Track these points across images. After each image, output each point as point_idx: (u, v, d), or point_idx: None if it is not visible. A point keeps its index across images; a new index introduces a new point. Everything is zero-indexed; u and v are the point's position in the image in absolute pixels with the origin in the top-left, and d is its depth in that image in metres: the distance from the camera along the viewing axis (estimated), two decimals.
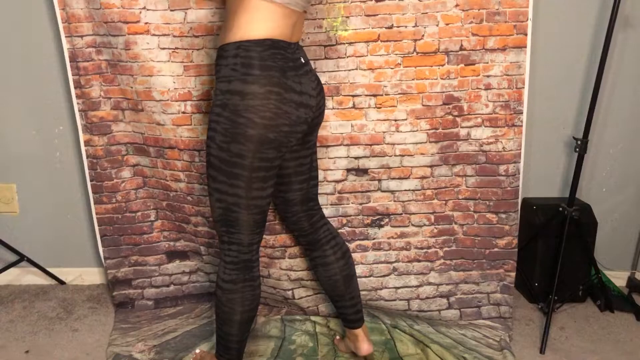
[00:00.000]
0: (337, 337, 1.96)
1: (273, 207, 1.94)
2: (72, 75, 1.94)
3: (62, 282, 2.37)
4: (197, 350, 1.85)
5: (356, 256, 2.03)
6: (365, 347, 1.79)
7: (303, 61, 1.50)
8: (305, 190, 1.70)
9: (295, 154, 1.62)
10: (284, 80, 1.41)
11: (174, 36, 1.84)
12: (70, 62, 1.93)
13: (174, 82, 1.87)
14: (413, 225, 2.03)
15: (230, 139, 1.42)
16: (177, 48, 1.85)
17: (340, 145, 1.95)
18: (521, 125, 1.96)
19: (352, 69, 1.88)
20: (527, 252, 2.22)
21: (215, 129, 1.44)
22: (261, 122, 1.40)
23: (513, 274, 2.07)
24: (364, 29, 1.85)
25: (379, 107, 1.91)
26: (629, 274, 2.45)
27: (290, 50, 1.45)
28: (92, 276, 2.40)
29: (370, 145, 1.95)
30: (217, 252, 2.08)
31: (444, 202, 2.02)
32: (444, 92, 1.91)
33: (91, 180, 2.05)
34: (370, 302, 2.06)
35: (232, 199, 1.48)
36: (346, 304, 1.79)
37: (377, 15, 1.84)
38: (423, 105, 1.92)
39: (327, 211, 1.99)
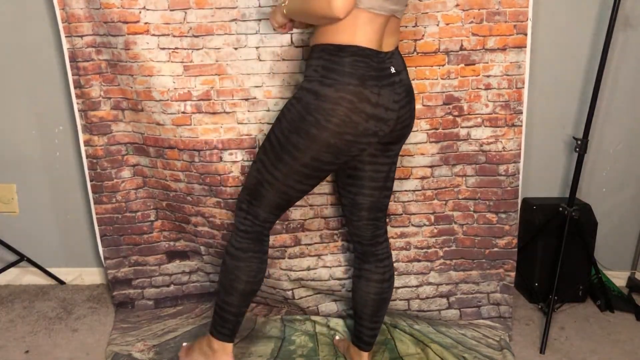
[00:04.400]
0: (337, 337, 1.96)
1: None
2: (72, 75, 1.94)
3: (62, 282, 2.37)
4: (184, 344, 1.85)
5: None
6: None
7: (393, 71, 1.46)
8: (376, 199, 1.66)
9: (373, 159, 1.59)
10: (361, 89, 1.39)
11: (174, 36, 1.84)
12: (70, 62, 1.93)
13: (174, 82, 1.87)
14: (413, 225, 2.03)
15: (293, 129, 1.45)
16: (177, 48, 1.85)
17: None
18: (521, 125, 1.96)
19: None
20: (527, 252, 2.22)
21: (285, 115, 1.49)
22: (326, 126, 1.40)
23: (513, 274, 2.07)
24: None
25: None
26: (629, 274, 2.45)
27: (376, 59, 1.41)
28: (92, 276, 2.40)
29: None
30: (217, 252, 2.08)
31: (444, 202, 2.02)
32: (444, 92, 1.91)
33: (91, 180, 2.05)
34: None
35: (269, 177, 1.52)
36: (367, 325, 1.75)
37: None
38: (423, 105, 1.92)
39: (327, 211, 2.00)
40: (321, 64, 1.42)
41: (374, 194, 1.64)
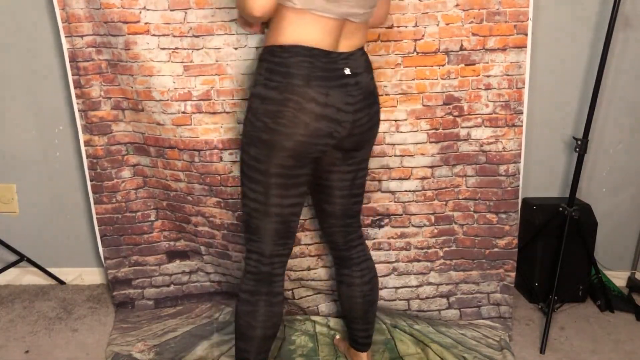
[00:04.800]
0: (337, 337, 1.96)
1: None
2: (72, 75, 1.94)
3: (62, 282, 2.37)
4: None
5: None
6: None
7: (348, 72, 1.40)
8: (345, 207, 1.63)
9: (335, 167, 1.56)
10: (306, 89, 1.34)
11: (174, 36, 1.84)
12: (70, 62, 1.93)
13: (174, 82, 1.87)
14: (413, 225, 2.03)
15: (249, 141, 1.41)
16: (177, 48, 1.85)
17: None
18: (521, 125, 1.96)
19: None
20: (527, 252, 2.22)
21: (243, 130, 1.44)
22: (275, 128, 1.35)
23: (513, 274, 2.07)
24: None
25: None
26: (629, 274, 2.45)
27: (324, 60, 1.36)
28: (92, 276, 2.40)
29: None
30: (217, 252, 2.08)
31: (444, 202, 2.02)
32: (444, 92, 1.91)
33: (91, 180, 2.05)
34: None
35: (253, 204, 1.45)
36: (359, 327, 1.74)
37: None
38: (423, 106, 1.92)
39: None
40: (265, 66, 1.37)
41: (342, 202, 1.62)
